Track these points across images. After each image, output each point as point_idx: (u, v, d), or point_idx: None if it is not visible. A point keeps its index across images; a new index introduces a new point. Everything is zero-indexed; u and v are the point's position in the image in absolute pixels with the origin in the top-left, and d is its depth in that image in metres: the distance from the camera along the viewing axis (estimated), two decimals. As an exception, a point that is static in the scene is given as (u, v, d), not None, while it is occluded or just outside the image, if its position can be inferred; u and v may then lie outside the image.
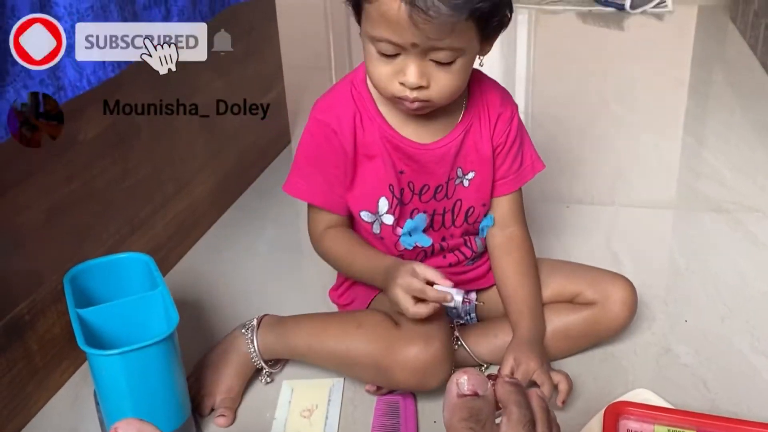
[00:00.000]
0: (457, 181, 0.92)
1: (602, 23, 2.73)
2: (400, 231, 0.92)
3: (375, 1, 0.75)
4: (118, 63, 0.82)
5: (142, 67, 1.03)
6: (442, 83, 0.80)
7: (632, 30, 2.66)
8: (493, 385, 0.60)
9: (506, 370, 0.86)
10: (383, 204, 0.90)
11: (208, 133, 1.28)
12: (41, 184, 0.88)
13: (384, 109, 0.89)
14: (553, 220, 1.33)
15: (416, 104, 0.82)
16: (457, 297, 0.80)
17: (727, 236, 1.27)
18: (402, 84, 0.80)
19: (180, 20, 0.95)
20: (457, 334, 0.95)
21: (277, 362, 0.95)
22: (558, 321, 0.94)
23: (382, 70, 0.80)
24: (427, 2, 0.72)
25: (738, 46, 2.36)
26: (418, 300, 0.81)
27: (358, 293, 0.98)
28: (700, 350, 0.99)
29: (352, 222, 0.95)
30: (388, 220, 0.91)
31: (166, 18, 0.92)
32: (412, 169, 0.90)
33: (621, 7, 2.79)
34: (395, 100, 0.83)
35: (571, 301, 0.95)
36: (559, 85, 2.11)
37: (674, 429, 0.81)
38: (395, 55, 0.79)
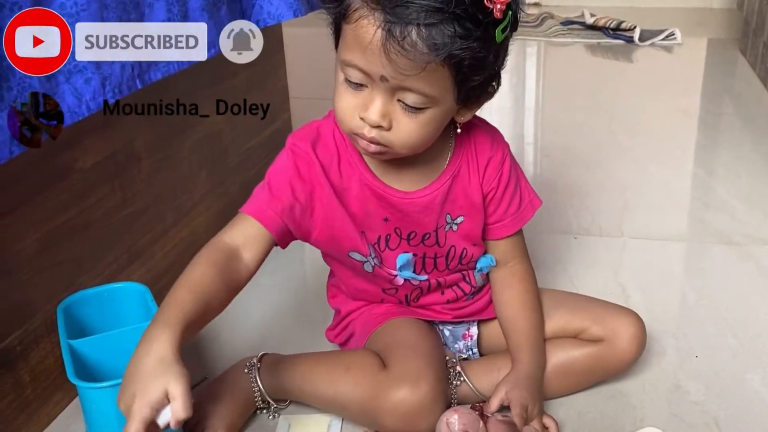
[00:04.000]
0: (447, 228, 0.88)
1: (611, 55, 2.72)
2: (393, 271, 0.89)
3: (353, 23, 0.71)
4: (119, 89, 0.81)
5: (141, 96, 1.03)
6: (405, 130, 0.75)
7: (641, 62, 2.65)
8: (485, 423, 0.58)
9: (495, 406, 0.82)
10: (370, 249, 0.87)
11: (210, 165, 1.27)
12: (36, 211, 0.87)
13: (367, 157, 0.84)
14: (560, 251, 1.31)
15: (373, 147, 0.76)
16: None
17: (737, 269, 1.24)
18: (362, 119, 0.75)
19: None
20: (459, 369, 0.93)
21: (284, 399, 0.93)
22: (563, 355, 0.91)
23: (346, 100, 0.76)
24: (404, 33, 0.68)
25: (748, 79, 2.34)
26: None
27: (355, 331, 0.95)
28: (711, 387, 0.96)
29: (337, 267, 0.93)
30: (379, 261, 0.89)
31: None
32: (396, 217, 0.86)
33: (630, 40, 2.79)
34: (353, 137, 0.78)
35: (576, 337, 0.92)
36: (568, 116, 2.10)
37: (684, 470, 0.78)
38: (362, 86, 0.74)
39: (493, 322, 0.97)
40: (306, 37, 2.41)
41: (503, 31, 0.72)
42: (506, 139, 0.92)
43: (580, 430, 0.89)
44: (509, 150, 0.90)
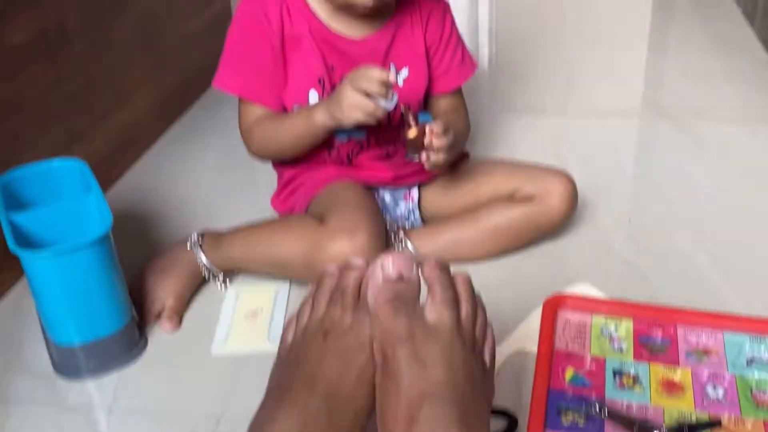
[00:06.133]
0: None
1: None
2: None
3: None
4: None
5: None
6: None
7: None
8: (421, 267, 0.60)
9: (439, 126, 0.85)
10: (313, 97, 0.90)
11: (147, 48, 1.24)
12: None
13: (314, 3, 0.88)
14: (503, 129, 1.33)
15: (372, 8, 0.83)
16: (393, 94, 0.81)
17: (675, 141, 1.28)
18: None
19: None
20: (402, 236, 0.95)
21: (230, 270, 0.95)
22: (497, 217, 0.94)
23: None
24: None
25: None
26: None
27: (298, 199, 0.97)
28: (642, 247, 1.00)
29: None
30: None
31: None
32: (342, 64, 0.89)
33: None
34: (349, 8, 0.85)
35: (511, 198, 0.95)
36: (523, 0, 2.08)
37: (611, 318, 0.83)
38: None
39: (433, 185, 0.99)
40: None
41: None
42: (460, 22, 0.96)
43: (516, 288, 0.92)
44: (449, 8, 0.95)
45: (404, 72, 0.92)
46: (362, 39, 0.90)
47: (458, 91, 0.98)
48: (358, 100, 0.80)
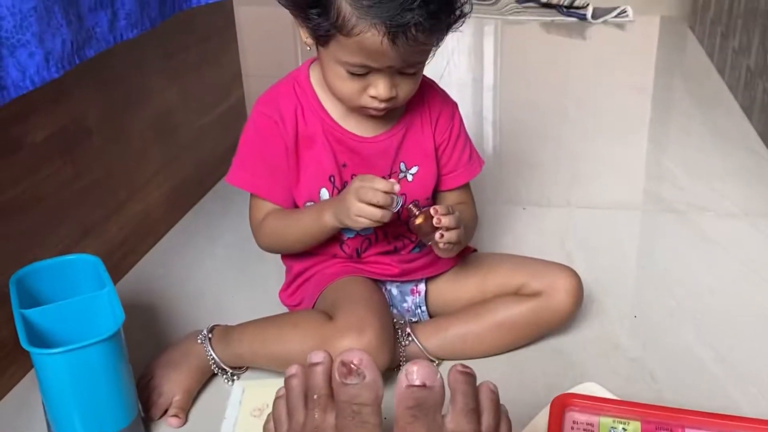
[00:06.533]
0: (401, 176, 0.94)
1: (565, 33, 2.77)
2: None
3: (354, 36, 0.78)
4: (62, 64, 0.82)
5: (91, 69, 1.03)
6: (407, 90, 0.86)
7: (594, 39, 2.70)
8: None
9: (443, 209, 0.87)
10: (324, 194, 0.92)
11: (163, 141, 1.28)
12: (-15, 186, 0.88)
13: (327, 103, 0.92)
14: (508, 221, 1.35)
15: (383, 111, 0.87)
16: (398, 200, 0.84)
17: (678, 235, 1.29)
18: (374, 97, 0.84)
19: (127, 23, 0.95)
20: (408, 330, 0.96)
21: (240, 366, 0.95)
22: (503, 312, 0.95)
23: (350, 86, 0.84)
24: (408, 35, 0.77)
25: (696, 54, 2.41)
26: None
27: (306, 293, 0.98)
28: (648, 344, 1.00)
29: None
30: None
31: (113, 21, 0.92)
32: (354, 162, 0.92)
33: (583, 17, 2.84)
34: (361, 110, 0.88)
35: (516, 293, 0.96)
36: (523, 92, 2.14)
37: (619, 419, 0.82)
38: (366, 74, 0.83)
39: (441, 279, 1.00)
40: (259, 15, 2.42)
41: None
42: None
43: (522, 386, 0.92)
44: (457, 107, 0.99)
45: (413, 170, 0.95)
46: (374, 138, 0.93)
47: (466, 185, 1.01)
48: (365, 211, 0.83)
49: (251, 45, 1.77)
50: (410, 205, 0.89)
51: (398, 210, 0.85)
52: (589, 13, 2.83)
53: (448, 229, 0.86)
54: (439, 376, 0.57)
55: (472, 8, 0.86)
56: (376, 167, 0.93)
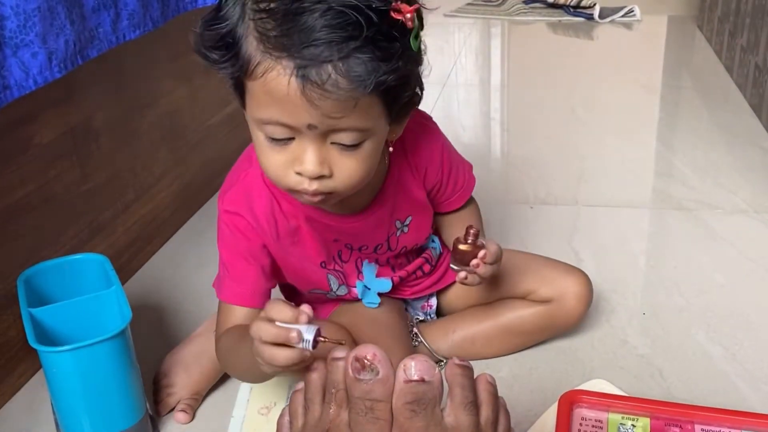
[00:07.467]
0: (398, 233, 0.88)
1: (572, 33, 2.76)
2: (356, 292, 0.90)
3: (259, 78, 0.63)
4: (64, 64, 0.82)
5: (100, 71, 1.04)
6: (347, 171, 0.69)
7: (601, 39, 2.70)
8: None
9: (492, 257, 0.82)
10: (333, 281, 0.88)
11: (171, 142, 1.29)
12: (-5, 186, 0.88)
13: None
14: (516, 220, 1.35)
15: (318, 197, 0.70)
16: (306, 335, 0.63)
17: (687, 233, 1.29)
18: (299, 174, 0.68)
19: (130, 24, 0.95)
20: (416, 330, 0.96)
21: None
22: (512, 315, 0.94)
23: (274, 159, 0.68)
24: (322, 76, 0.61)
25: (705, 53, 2.40)
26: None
27: (317, 305, 0.96)
28: (657, 341, 1.00)
29: (292, 294, 0.93)
30: (343, 290, 0.90)
31: (116, 21, 0.92)
32: (347, 237, 0.85)
33: (590, 17, 2.83)
34: (293, 194, 0.72)
35: (525, 298, 0.94)
36: (530, 92, 2.14)
37: (628, 416, 0.82)
38: (288, 140, 0.67)
39: (451, 289, 0.99)
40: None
41: (416, 38, 0.66)
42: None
43: (531, 384, 0.92)
44: (440, 135, 0.87)
45: (408, 220, 0.88)
46: (363, 214, 0.83)
47: (469, 208, 0.96)
48: (267, 355, 0.64)
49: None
50: (469, 228, 0.81)
51: (313, 338, 0.63)
52: (596, 12, 2.82)
53: (479, 275, 0.82)
54: (437, 370, 0.57)
55: (422, 94, 0.73)
56: (372, 238, 0.86)
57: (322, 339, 0.63)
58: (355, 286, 0.89)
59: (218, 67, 0.67)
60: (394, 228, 0.87)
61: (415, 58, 0.68)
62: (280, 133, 0.67)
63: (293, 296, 0.96)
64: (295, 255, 0.83)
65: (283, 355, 0.63)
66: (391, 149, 0.78)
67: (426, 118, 0.86)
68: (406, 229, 0.88)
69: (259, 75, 0.63)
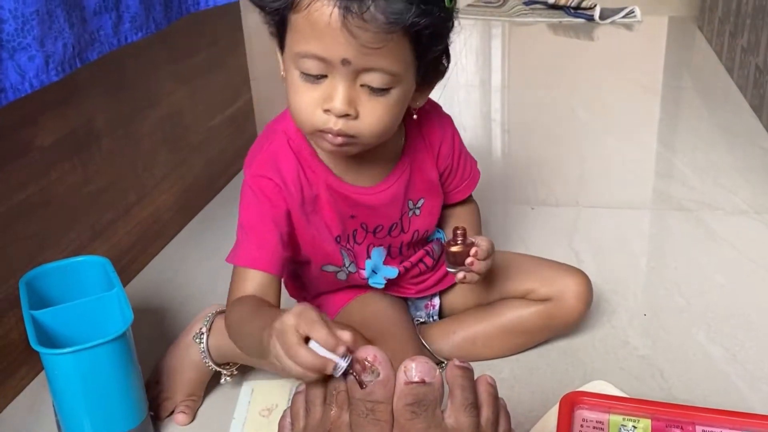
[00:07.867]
0: (410, 213, 0.90)
1: (572, 34, 2.77)
2: (364, 273, 0.90)
3: (304, 9, 0.68)
4: (62, 67, 0.82)
5: (101, 73, 1.04)
6: (372, 115, 0.72)
7: (602, 40, 2.70)
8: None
9: (483, 252, 0.85)
10: (345, 256, 0.88)
11: (172, 144, 1.29)
12: (-4, 189, 0.89)
13: (325, 158, 0.83)
14: (516, 221, 1.35)
15: (340, 139, 0.73)
16: (340, 363, 0.58)
17: (687, 234, 1.29)
18: (327, 111, 0.71)
19: (132, 26, 0.95)
20: (417, 333, 0.96)
21: (235, 363, 0.94)
22: (512, 315, 0.95)
23: (305, 95, 0.72)
24: (362, 8, 0.66)
25: (705, 53, 2.40)
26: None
27: (324, 297, 0.96)
28: (658, 342, 1.00)
29: (305, 272, 0.92)
30: (353, 268, 0.90)
31: (117, 24, 0.93)
32: (363, 213, 0.86)
33: (590, 18, 2.84)
34: (317, 135, 0.75)
35: (525, 297, 0.95)
36: (531, 93, 2.14)
37: (629, 417, 0.82)
38: (321, 78, 0.71)
39: (452, 290, 1.00)
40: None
41: None
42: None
43: (532, 385, 0.92)
44: (452, 122, 0.93)
45: (420, 202, 0.91)
46: (380, 187, 0.86)
47: (472, 204, 1.00)
48: (294, 371, 0.60)
49: (259, 48, 1.77)
50: (456, 229, 0.84)
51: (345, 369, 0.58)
52: (596, 13, 2.82)
53: (475, 272, 0.85)
54: (437, 371, 0.57)
55: (448, 65, 0.78)
56: (387, 215, 0.87)
57: (354, 375, 0.58)
58: (363, 268, 0.90)
59: (264, 3, 0.72)
60: (407, 208, 0.89)
61: (448, 14, 0.73)
62: (315, 68, 0.70)
63: (301, 290, 0.97)
64: (314, 224, 0.84)
65: (306, 375, 0.60)
66: (415, 116, 0.83)
67: (440, 107, 0.92)
68: (418, 212, 0.90)
69: (303, 7, 0.68)
